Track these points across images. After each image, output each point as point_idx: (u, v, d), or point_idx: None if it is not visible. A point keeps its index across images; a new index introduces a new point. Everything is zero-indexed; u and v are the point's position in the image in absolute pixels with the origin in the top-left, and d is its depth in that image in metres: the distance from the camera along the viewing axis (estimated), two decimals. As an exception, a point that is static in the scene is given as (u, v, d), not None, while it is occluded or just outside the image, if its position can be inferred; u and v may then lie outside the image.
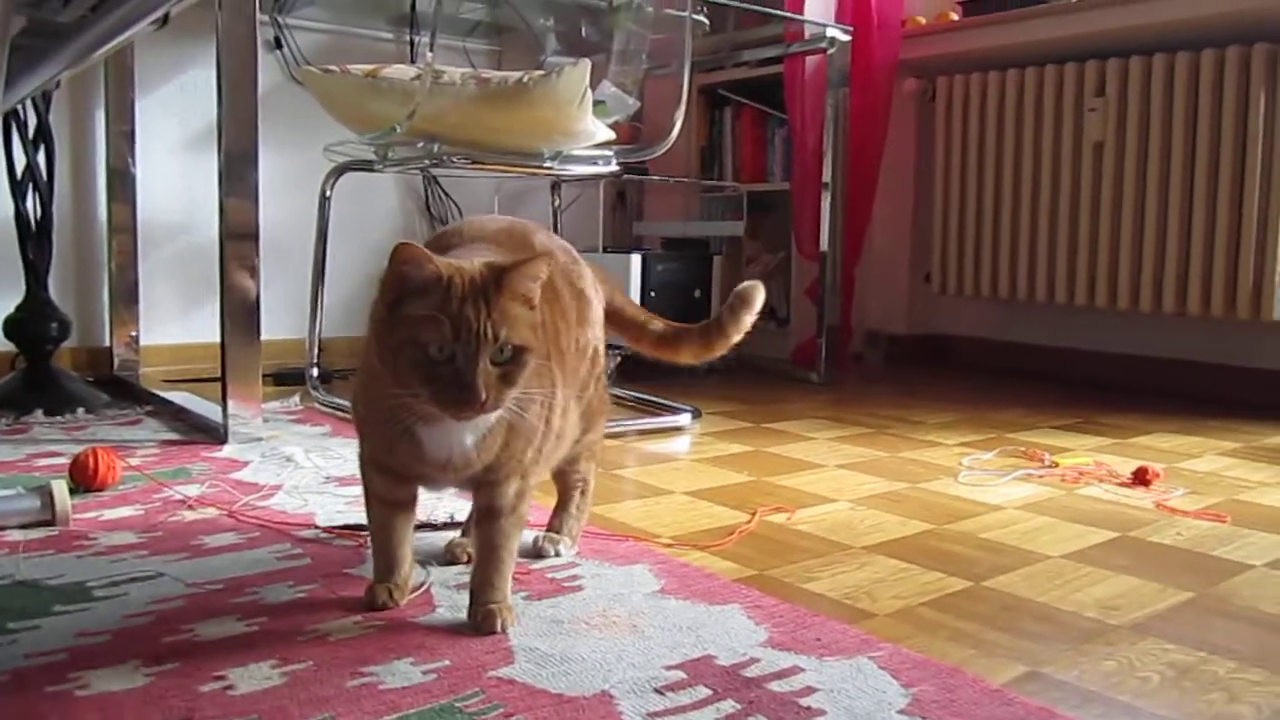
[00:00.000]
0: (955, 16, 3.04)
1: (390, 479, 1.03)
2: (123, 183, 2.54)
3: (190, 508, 1.43)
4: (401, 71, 1.98)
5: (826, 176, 2.89)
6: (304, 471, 1.64)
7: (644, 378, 2.80)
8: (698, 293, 2.93)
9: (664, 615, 1.07)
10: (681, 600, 1.11)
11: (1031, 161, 2.88)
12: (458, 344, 0.87)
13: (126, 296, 2.55)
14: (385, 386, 0.92)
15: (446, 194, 3.05)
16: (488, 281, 0.89)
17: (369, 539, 1.08)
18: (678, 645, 0.99)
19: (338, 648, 0.97)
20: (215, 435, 1.90)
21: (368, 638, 0.99)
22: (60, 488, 1.34)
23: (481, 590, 1.02)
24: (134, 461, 1.68)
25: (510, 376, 0.90)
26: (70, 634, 0.99)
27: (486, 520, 1.03)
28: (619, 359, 2.75)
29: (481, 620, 1.00)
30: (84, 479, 1.50)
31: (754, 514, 1.48)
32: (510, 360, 0.90)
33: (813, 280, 2.97)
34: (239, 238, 1.87)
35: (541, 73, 1.93)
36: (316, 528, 1.34)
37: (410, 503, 1.06)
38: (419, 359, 0.87)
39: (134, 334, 2.57)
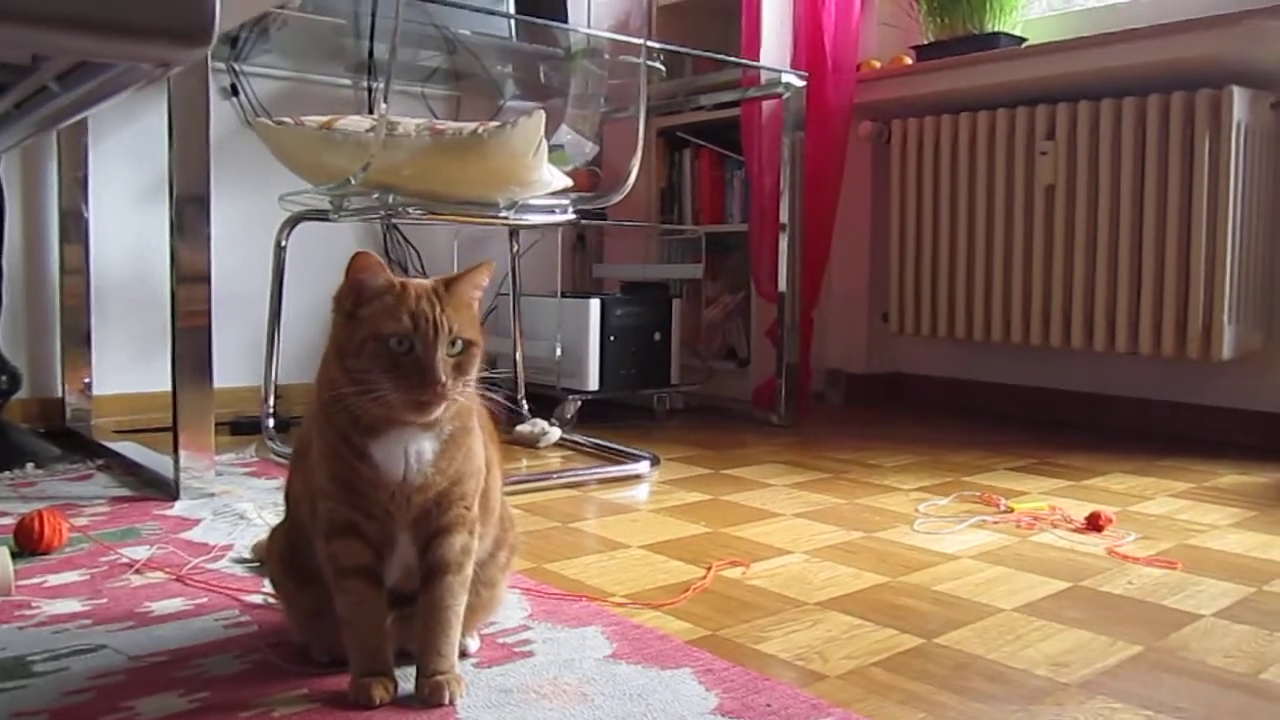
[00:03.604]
0: (909, 61, 3.09)
1: (351, 538, 0.99)
2: (75, 224, 2.51)
3: (138, 572, 1.41)
4: (356, 123, 1.98)
5: (784, 218, 2.91)
6: (256, 530, 1.61)
7: (603, 419, 2.80)
8: (657, 335, 2.93)
9: (614, 682, 1.06)
10: (633, 665, 1.11)
11: (985, 203, 2.92)
12: (416, 334, 0.95)
13: (79, 341, 2.52)
14: (339, 397, 0.97)
15: (405, 239, 3.04)
16: (438, 286, 0.99)
17: (344, 631, 1.02)
18: (627, 715, 0.98)
19: (282, 724, 0.95)
20: (167, 490, 1.87)
21: (312, 713, 0.98)
22: (3, 555, 1.31)
23: (428, 659, 1.01)
24: (82, 521, 1.65)
25: (463, 366, 0.98)
26: (7, 714, 0.96)
27: (434, 578, 1.01)
28: (579, 404, 2.74)
29: (429, 693, 0.99)
30: (29, 543, 1.47)
31: (709, 569, 1.48)
32: (462, 352, 0.98)
33: (772, 321, 2.99)
34: (191, 282, 1.85)
35: (496, 124, 1.94)
36: (264, 593, 1.32)
37: (378, 577, 1.01)
38: (380, 352, 0.95)
39: (87, 380, 2.53)
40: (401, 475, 0.98)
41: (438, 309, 0.96)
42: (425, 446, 0.99)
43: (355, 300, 0.97)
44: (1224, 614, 1.34)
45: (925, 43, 3.05)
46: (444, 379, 0.95)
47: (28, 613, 1.24)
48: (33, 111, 0.75)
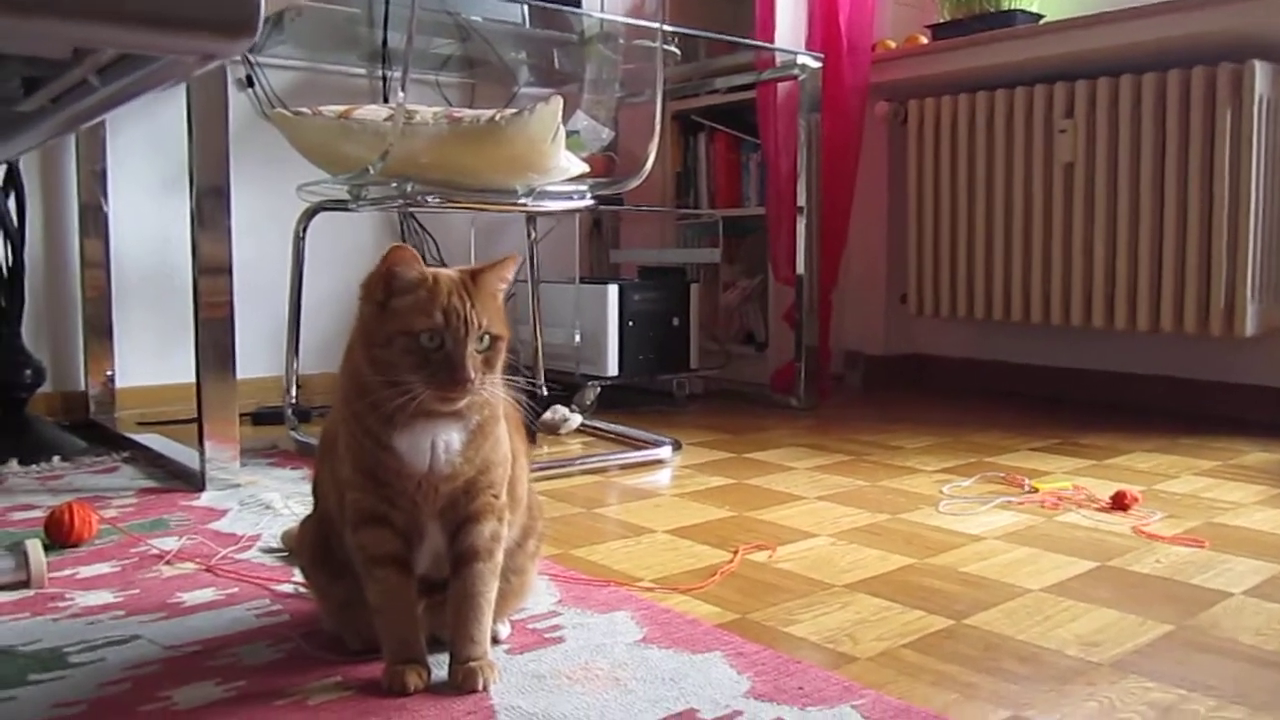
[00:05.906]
0: (925, 40, 3.07)
1: (379, 527, 1.00)
2: (95, 218, 2.52)
3: (168, 563, 1.42)
4: (373, 113, 1.97)
5: (801, 200, 2.90)
6: (283, 520, 1.62)
7: (623, 405, 2.80)
8: (676, 320, 2.93)
9: (646, 666, 1.07)
10: (663, 649, 1.11)
11: (1003, 182, 2.90)
12: (447, 330, 0.95)
13: (101, 333, 2.53)
14: (367, 389, 0.97)
15: (422, 226, 3.04)
16: (466, 280, 0.99)
17: (375, 620, 1.02)
18: (660, 699, 0.99)
19: (317, 712, 0.96)
20: (193, 482, 1.88)
21: (347, 701, 0.98)
22: (35, 547, 1.33)
23: (461, 646, 1.01)
24: (110, 513, 1.67)
25: (490, 361, 0.99)
26: (47, 705, 0.97)
27: (464, 566, 1.02)
28: (598, 389, 2.75)
29: (462, 680, 1.00)
30: (60, 535, 1.48)
31: (735, 552, 1.48)
32: (490, 348, 0.99)
33: (790, 304, 2.98)
34: (212, 274, 1.87)
35: (514, 111, 1.93)
36: (295, 582, 1.33)
37: (408, 565, 1.02)
38: (411, 347, 0.95)
39: (109, 373, 2.55)
40: (427, 465, 0.98)
41: (468, 304, 0.96)
42: (454, 437, 0.99)
43: (386, 291, 0.97)
44: (1253, 592, 1.33)
45: (941, 21, 3.03)
46: (473, 375, 0.95)
47: (61, 604, 1.25)
48: (68, 106, 0.75)
